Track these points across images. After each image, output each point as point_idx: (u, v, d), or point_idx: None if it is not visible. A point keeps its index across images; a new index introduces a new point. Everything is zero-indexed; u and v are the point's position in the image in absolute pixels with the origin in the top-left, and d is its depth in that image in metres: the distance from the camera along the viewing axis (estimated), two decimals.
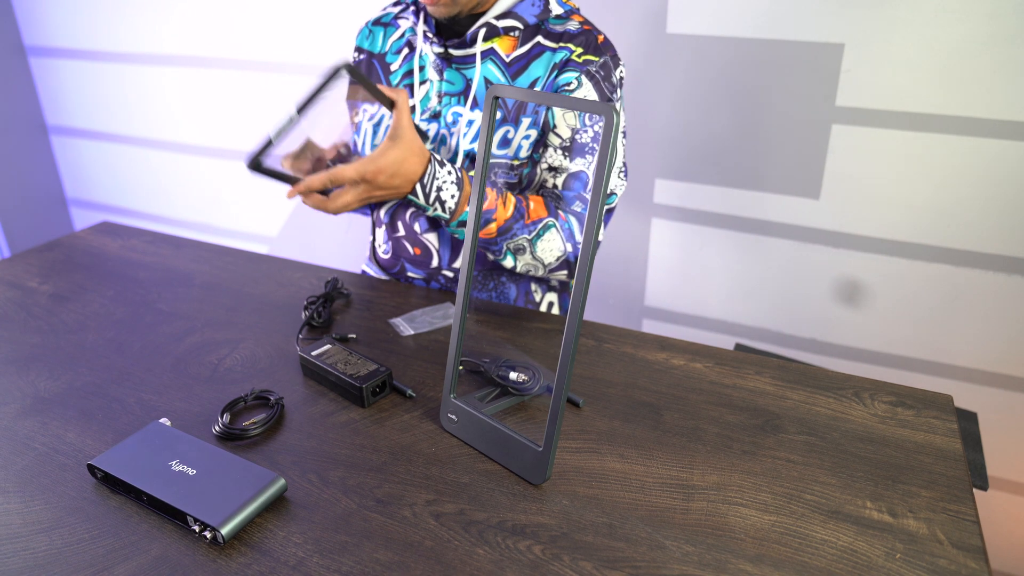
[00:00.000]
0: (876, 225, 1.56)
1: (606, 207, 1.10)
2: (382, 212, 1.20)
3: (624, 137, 1.11)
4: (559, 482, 0.74)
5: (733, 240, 1.71)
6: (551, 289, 1.23)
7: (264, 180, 1.84)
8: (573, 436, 0.81)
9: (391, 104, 0.97)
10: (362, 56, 1.18)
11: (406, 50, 1.12)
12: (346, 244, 2.23)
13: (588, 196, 1.02)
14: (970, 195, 1.46)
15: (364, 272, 1.31)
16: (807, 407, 0.87)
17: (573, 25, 1.05)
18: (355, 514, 0.70)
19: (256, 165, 0.92)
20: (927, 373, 1.63)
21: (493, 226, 1.01)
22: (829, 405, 0.87)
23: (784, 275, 1.69)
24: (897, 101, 1.45)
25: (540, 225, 1.03)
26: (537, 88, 1.04)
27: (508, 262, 1.06)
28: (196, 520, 0.66)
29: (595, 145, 1.04)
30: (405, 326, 1.04)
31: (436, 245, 1.14)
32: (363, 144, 1.14)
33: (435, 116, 1.08)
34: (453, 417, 0.81)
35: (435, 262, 1.15)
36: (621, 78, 1.07)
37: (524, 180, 1.09)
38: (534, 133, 1.05)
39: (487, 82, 1.05)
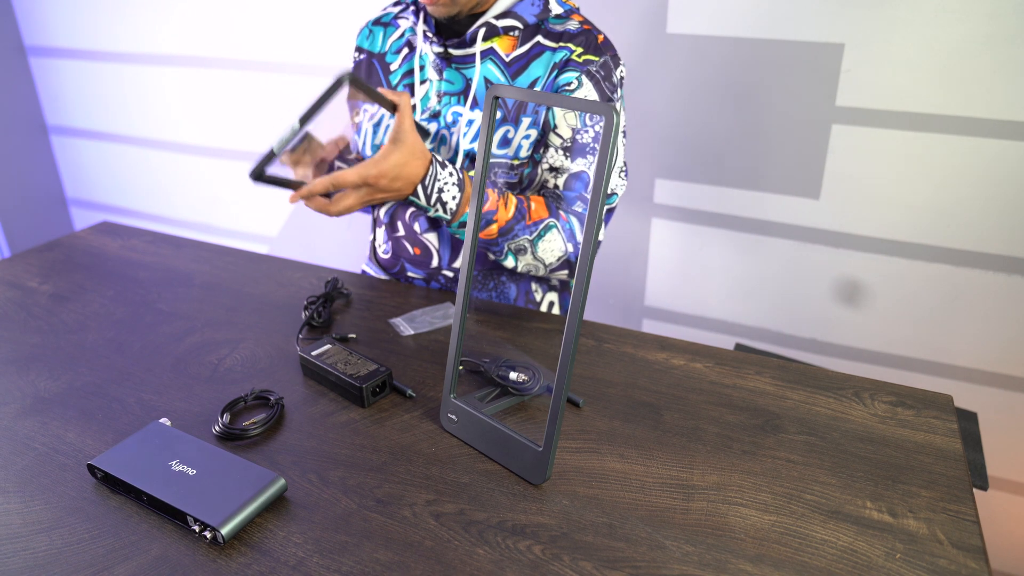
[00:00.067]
0: (876, 225, 1.56)
1: (607, 207, 1.10)
2: (382, 212, 1.20)
3: (624, 137, 1.11)
4: (559, 482, 0.74)
5: (733, 240, 1.71)
6: (551, 289, 1.23)
7: (267, 188, 1.84)
8: (573, 436, 0.81)
9: (393, 108, 0.97)
10: (362, 56, 1.18)
11: (406, 50, 1.12)
12: (346, 244, 2.23)
13: (589, 196, 1.02)
14: (970, 195, 1.46)
15: (364, 272, 1.31)
16: (807, 407, 0.87)
17: (573, 25, 1.05)
18: (355, 514, 0.70)
19: (259, 175, 0.92)
20: (927, 373, 1.63)
21: (494, 227, 1.01)
22: (829, 405, 0.87)
23: (784, 275, 1.69)
24: (897, 101, 1.45)
25: (541, 225, 1.03)
26: (537, 88, 1.04)
27: (509, 262, 1.06)
28: (196, 520, 0.66)
29: (596, 145, 1.04)
30: (405, 326, 1.04)
31: (436, 245, 1.14)
32: (363, 144, 1.14)
33: (435, 116, 1.08)
34: (453, 417, 0.81)
35: (435, 262, 1.15)
36: (621, 78, 1.07)
37: (525, 180, 1.09)
38: (534, 133, 1.05)
39: (487, 82, 1.05)
